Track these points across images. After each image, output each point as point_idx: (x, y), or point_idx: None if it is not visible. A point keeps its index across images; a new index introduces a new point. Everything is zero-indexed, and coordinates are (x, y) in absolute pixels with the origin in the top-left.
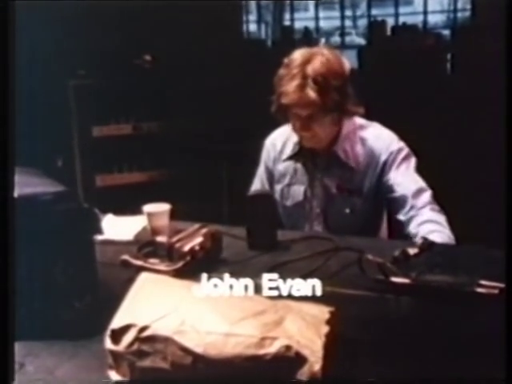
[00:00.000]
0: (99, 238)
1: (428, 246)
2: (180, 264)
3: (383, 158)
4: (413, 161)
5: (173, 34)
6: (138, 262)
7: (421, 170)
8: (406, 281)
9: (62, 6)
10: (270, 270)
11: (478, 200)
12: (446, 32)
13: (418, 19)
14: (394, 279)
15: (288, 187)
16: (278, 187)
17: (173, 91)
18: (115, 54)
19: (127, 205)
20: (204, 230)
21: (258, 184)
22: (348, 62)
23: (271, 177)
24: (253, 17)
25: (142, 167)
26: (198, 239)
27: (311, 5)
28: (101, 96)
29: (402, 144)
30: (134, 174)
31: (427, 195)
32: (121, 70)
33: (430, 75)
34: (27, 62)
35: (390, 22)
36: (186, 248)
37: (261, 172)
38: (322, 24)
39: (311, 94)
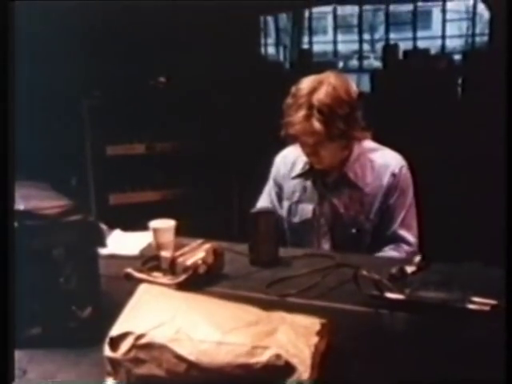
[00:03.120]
0: (106, 252)
1: (425, 264)
2: (182, 278)
3: (386, 180)
4: (411, 192)
5: (188, 55)
6: (141, 275)
7: (430, 190)
8: (400, 297)
9: (79, 25)
10: (270, 285)
11: (479, 217)
12: (459, 56)
13: (436, 43)
14: (389, 295)
15: (296, 204)
16: (285, 204)
17: (186, 112)
18: (130, 75)
19: (140, 223)
20: (206, 246)
21: (265, 199)
22: (356, 87)
23: (280, 193)
24: (271, 40)
25: (155, 186)
26: (201, 254)
27: (330, 28)
28: (115, 116)
29: (404, 168)
30: (147, 193)
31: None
32: (135, 91)
33: (441, 98)
34: (42, 81)
35: (407, 45)
36: (189, 262)
37: (269, 188)
38: (340, 47)
39: (316, 124)
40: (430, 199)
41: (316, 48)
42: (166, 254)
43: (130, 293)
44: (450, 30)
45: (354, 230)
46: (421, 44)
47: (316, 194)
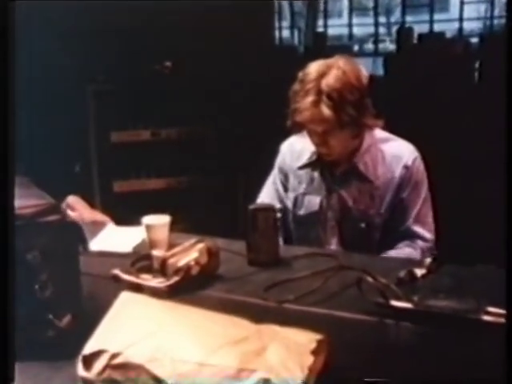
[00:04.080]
0: (97, 248)
1: (437, 266)
2: (173, 280)
3: (398, 173)
4: (425, 185)
5: (196, 39)
6: (129, 278)
7: (442, 183)
8: (407, 305)
9: (84, 9)
10: (268, 289)
11: (497, 215)
12: (477, 40)
13: (453, 26)
14: (395, 303)
15: (303, 196)
16: (291, 195)
17: (193, 97)
18: (135, 60)
19: (144, 211)
20: (200, 245)
21: (270, 189)
22: (366, 72)
23: (286, 183)
24: (286, 23)
25: (160, 174)
26: (194, 254)
27: (345, 11)
28: (119, 101)
29: (418, 160)
30: (152, 181)
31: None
32: (140, 76)
33: (457, 83)
34: (46, 65)
35: (424, 28)
36: (181, 263)
37: (274, 177)
38: (356, 31)
39: (325, 110)
40: (443, 193)
41: (331, 31)
42: (158, 253)
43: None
44: (468, 12)
45: (363, 225)
46: (438, 27)
47: (323, 185)
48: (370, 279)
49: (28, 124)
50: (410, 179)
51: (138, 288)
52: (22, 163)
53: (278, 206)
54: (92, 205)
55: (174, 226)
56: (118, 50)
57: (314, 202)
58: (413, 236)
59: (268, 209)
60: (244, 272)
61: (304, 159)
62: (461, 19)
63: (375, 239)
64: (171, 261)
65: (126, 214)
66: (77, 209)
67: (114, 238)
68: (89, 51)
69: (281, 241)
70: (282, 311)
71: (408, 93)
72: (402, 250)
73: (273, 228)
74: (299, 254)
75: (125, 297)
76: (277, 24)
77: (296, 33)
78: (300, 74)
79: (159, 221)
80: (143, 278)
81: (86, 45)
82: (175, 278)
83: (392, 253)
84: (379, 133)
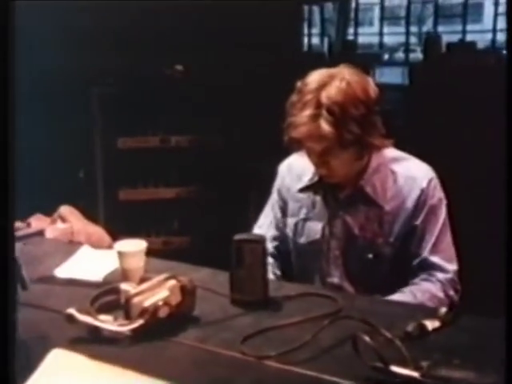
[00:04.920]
0: (65, 275)
1: (453, 318)
2: (137, 323)
3: (412, 197)
4: (443, 210)
5: (210, 42)
6: (85, 318)
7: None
8: (412, 373)
9: (92, 9)
10: (247, 339)
11: None
12: None
13: (486, 37)
14: (396, 369)
15: (303, 222)
16: (291, 221)
17: (205, 104)
18: (145, 62)
19: (151, 222)
20: (172, 282)
21: (268, 215)
22: (375, 86)
23: (285, 208)
24: (316, 30)
25: (169, 183)
26: (163, 293)
27: (376, 20)
28: (127, 106)
29: (434, 181)
30: (160, 190)
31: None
32: (150, 80)
33: (486, 97)
34: (50, 67)
35: (455, 39)
36: (146, 303)
37: (273, 201)
38: (386, 40)
39: (325, 126)
40: (465, 220)
41: (361, 39)
42: (127, 286)
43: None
44: (502, 23)
45: (370, 256)
46: (470, 38)
47: (326, 210)
48: (366, 338)
49: (31, 128)
50: (425, 203)
51: (96, 331)
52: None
53: (275, 233)
54: (89, 216)
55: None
56: (127, 51)
57: (315, 228)
58: (431, 268)
59: (255, 240)
60: (225, 314)
61: (305, 181)
62: (494, 30)
63: (385, 272)
64: (136, 300)
65: (131, 224)
66: (68, 220)
67: (87, 263)
68: (96, 53)
69: (275, 274)
70: (260, 368)
71: (432, 103)
72: (419, 286)
73: (260, 263)
74: (292, 295)
75: (54, 355)
76: (306, 31)
77: (326, 40)
78: (298, 84)
79: (134, 247)
80: (101, 320)
81: (92, 46)
82: (139, 321)
83: (407, 290)
84: (390, 151)
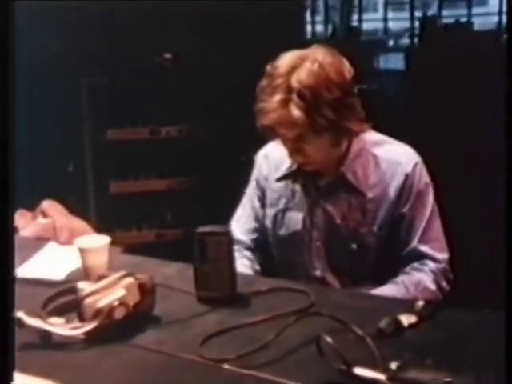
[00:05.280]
0: (29, 275)
1: (431, 312)
2: (89, 327)
3: (396, 182)
4: (431, 196)
5: (202, 29)
6: (35, 322)
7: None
8: (378, 377)
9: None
10: (206, 341)
11: None
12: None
13: (492, 20)
14: (361, 372)
15: (283, 213)
16: (270, 211)
17: (196, 93)
18: (133, 51)
19: (142, 214)
20: (128, 280)
21: (246, 206)
22: (350, 67)
23: (263, 198)
24: (320, 17)
25: (160, 174)
26: (119, 292)
27: (380, 5)
28: (116, 96)
29: (419, 165)
30: (151, 181)
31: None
32: (139, 69)
33: (484, 80)
34: (37, 58)
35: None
36: (100, 304)
37: (251, 193)
38: (391, 25)
39: (295, 112)
40: (454, 207)
41: (366, 26)
42: (85, 285)
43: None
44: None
45: (354, 246)
46: (476, 21)
47: (306, 200)
48: (328, 339)
49: (17, 120)
50: (411, 190)
51: (47, 335)
52: None
53: (255, 225)
54: (80, 210)
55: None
56: (116, 40)
57: (295, 219)
58: (421, 257)
59: (220, 233)
60: (188, 313)
61: (283, 169)
62: (500, 13)
63: (370, 263)
64: (89, 301)
65: (123, 217)
66: (50, 215)
67: (51, 261)
68: (83, 42)
69: (254, 269)
70: (218, 372)
71: (429, 88)
72: (411, 277)
73: (226, 257)
74: (262, 290)
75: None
76: (310, 18)
77: (330, 27)
78: (268, 67)
79: (95, 243)
80: (52, 323)
81: (79, 35)
82: (93, 324)
83: (399, 280)
84: (371, 135)
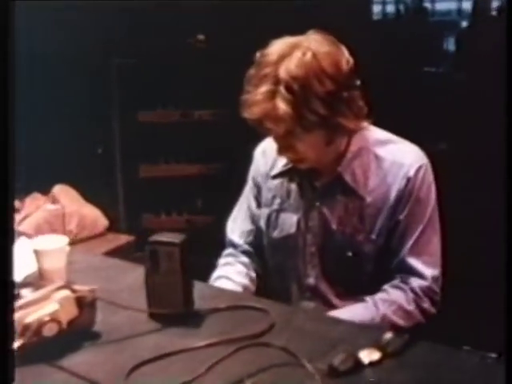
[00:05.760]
0: None
1: (398, 348)
2: (17, 344)
3: (397, 186)
4: (432, 205)
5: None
6: None
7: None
8: None
9: None
10: (134, 371)
11: None
12: None
13: None
14: None
15: (277, 213)
16: (264, 211)
17: (229, 76)
18: (165, 31)
19: (172, 199)
20: (63, 293)
21: (242, 207)
22: (349, 56)
23: (259, 197)
24: None
25: (191, 159)
26: (51, 307)
27: None
28: (147, 78)
29: (423, 169)
30: (182, 166)
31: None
32: (171, 50)
33: None
34: (64, 37)
35: None
36: (29, 319)
37: (247, 191)
38: (465, 6)
39: (281, 106)
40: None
41: (438, 6)
42: (27, 292)
43: None
44: None
45: (349, 254)
46: None
47: (302, 201)
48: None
49: (46, 103)
50: (411, 195)
51: None
52: None
53: (251, 227)
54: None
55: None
56: (147, 19)
57: (290, 221)
58: (406, 272)
59: (172, 243)
60: (134, 331)
61: (279, 166)
62: None
63: (367, 272)
64: (17, 315)
65: (152, 202)
66: (59, 201)
67: (17, 259)
68: (114, 23)
69: (249, 277)
70: None
71: (480, 70)
72: (387, 295)
73: (179, 269)
74: (221, 307)
75: None
76: None
77: (402, 8)
78: (257, 55)
79: (52, 245)
80: None
81: (111, 17)
82: (20, 341)
83: (370, 299)
84: (375, 132)
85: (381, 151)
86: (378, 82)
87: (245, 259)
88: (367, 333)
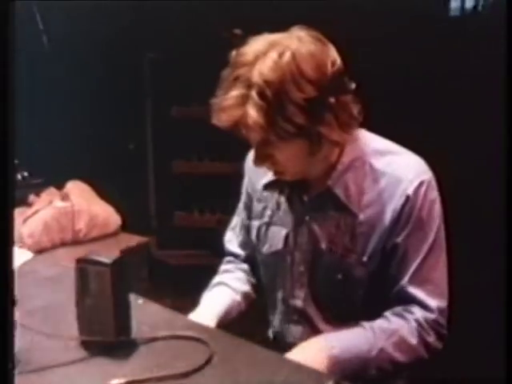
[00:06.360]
0: None
1: None
2: None
3: (396, 204)
4: (436, 226)
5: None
6: None
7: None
8: None
9: None
10: None
11: None
12: None
13: None
14: None
15: (267, 226)
16: (255, 223)
17: None
18: (201, 25)
19: (205, 198)
20: None
21: (240, 216)
22: (336, 56)
23: (251, 207)
24: None
25: (225, 157)
26: None
27: None
28: (182, 72)
29: (425, 186)
30: (216, 164)
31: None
32: (207, 44)
33: None
34: (97, 29)
35: None
36: None
37: (243, 199)
38: None
39: (252, 113)
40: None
41: None
42: None
43: None
44: None
45: (339, 276)
46: None
47: (291, 214)
48: None
49: (77, 97)
50: (411, 215)
51: None
52: None
53: (246, 238)
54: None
55: None
56: (181, 12)
57: (278, 236)
58: (409, 301)
59: (102, 263)
60: (54, 360)
61: (269, 176)
62: None
63: (358, 298)
64: None
65: (184, 199)
66: (69, 198)
67: None
68: (148, 16)
69: (245, 295)
70: None
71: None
72: (387, 323)
73: (110, 293)
74: (159, 336)
75: None
76: None
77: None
78: (233, 54)
79: None
80: None
81: (145, 9)
82: None
83: (367, 325)
84: (373, 140)
85: (378, 163)
86: None
87: (245, 266)
88: (314, 379)
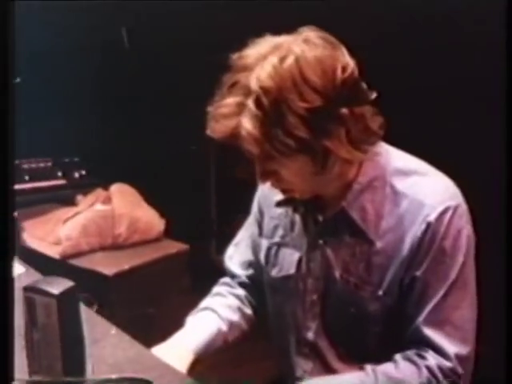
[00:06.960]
0: None
1: None
2: None
3: (416, 232)
4: (461, 258)
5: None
6: None
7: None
8: None
9: None
10: None
11: None
12: None
13: None
14: None
15: (278, 248)
16: (264, 243)
17: None
18: (262, 27)
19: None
20: None
21: (248, 232)
22: (349, 61)
23: (262, 224)
24: None
25: None
26: None
27: None
28: None
29: (451, 213)
30: None
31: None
32: None
33: None
34: (163, 31)
35: None
36: None
37: (252, 216)
38: None
39: (246, 124)
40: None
41: None
42: None
43: None
44: None
45: (352, 310)
46: None
47: (305, 236)
48: None
49: (141, 97)
50: (431, 246)
51: None
52: None
53: (251, 257)
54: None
55: None
56: (240, 14)
57: (290, 259)
58: (423, 344)
59: (49, 293)
60: None
61: None
62: None
63: (373, 334)
64: None
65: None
66: (111, 202)
67: None
68: (209, 17)
69: (244, 320)
70: None
71: None
72: (395, 369)
73: (57, 329)
74: (112, 378)
75: None
76: None
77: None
78: (234, 57)
79: None
80: None
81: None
82: None
83: (369, 369)
84: (398, 158)
85: (400, 184)
86: None
87: (241, 292)
88: None
